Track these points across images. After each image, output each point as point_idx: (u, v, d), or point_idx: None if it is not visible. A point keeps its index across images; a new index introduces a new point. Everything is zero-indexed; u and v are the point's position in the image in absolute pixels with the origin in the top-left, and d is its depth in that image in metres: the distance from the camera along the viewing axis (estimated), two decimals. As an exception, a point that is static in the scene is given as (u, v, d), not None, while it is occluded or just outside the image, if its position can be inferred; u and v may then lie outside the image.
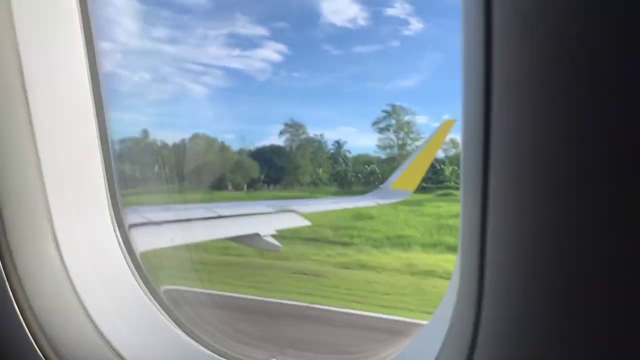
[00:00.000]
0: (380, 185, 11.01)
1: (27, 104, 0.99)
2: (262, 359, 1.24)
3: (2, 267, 1.05)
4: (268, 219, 6.36)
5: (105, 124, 1.16)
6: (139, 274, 1.21)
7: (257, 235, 5.81)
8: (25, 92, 0.99)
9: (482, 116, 0.55)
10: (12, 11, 0.95)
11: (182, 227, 5.04)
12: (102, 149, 1.15)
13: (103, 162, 1.16)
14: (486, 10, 0.53)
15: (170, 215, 4.93)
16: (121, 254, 1.20)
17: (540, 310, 0.56)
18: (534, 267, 0.55)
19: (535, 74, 0.51)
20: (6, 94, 0.99)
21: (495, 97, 0.54)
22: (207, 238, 5.53)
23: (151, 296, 1.21)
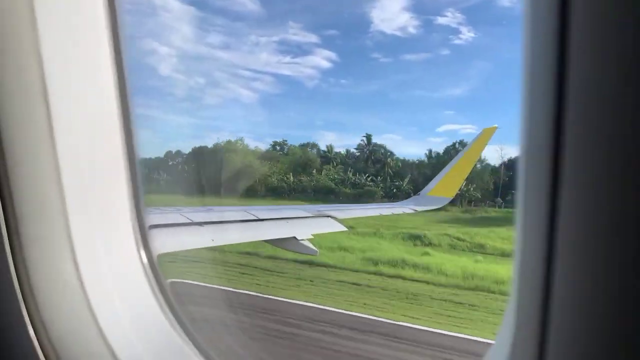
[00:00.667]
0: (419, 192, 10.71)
1: (49, 115, 0.92)
2: None
3: (18, 286, 0.99)
4: (306, 223, 6.33)
5: (132, 135, 1.07)
6: (164, 299, 1.11)
7: (293, 238, 5.79)
8: (47, 103, 0.92)
9: (553, 122, 0.54)
10: (36, 19, 0.89)
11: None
12: (129, 162, 1.06)
13: (129, 176, 1.07)
14: (562, 12, 0.52)
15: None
16: (145, 278, 1.10)
17: (613, 322, 0.53)
18: (607, 276, 0.53)
19: (614, 76, 0.50)
20: (27, 105, 0.92)
21: (571, 100, 0.52)
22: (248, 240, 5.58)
23: (177, 325, 1.10)
